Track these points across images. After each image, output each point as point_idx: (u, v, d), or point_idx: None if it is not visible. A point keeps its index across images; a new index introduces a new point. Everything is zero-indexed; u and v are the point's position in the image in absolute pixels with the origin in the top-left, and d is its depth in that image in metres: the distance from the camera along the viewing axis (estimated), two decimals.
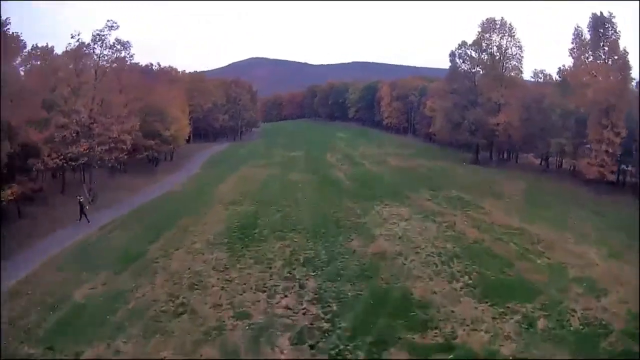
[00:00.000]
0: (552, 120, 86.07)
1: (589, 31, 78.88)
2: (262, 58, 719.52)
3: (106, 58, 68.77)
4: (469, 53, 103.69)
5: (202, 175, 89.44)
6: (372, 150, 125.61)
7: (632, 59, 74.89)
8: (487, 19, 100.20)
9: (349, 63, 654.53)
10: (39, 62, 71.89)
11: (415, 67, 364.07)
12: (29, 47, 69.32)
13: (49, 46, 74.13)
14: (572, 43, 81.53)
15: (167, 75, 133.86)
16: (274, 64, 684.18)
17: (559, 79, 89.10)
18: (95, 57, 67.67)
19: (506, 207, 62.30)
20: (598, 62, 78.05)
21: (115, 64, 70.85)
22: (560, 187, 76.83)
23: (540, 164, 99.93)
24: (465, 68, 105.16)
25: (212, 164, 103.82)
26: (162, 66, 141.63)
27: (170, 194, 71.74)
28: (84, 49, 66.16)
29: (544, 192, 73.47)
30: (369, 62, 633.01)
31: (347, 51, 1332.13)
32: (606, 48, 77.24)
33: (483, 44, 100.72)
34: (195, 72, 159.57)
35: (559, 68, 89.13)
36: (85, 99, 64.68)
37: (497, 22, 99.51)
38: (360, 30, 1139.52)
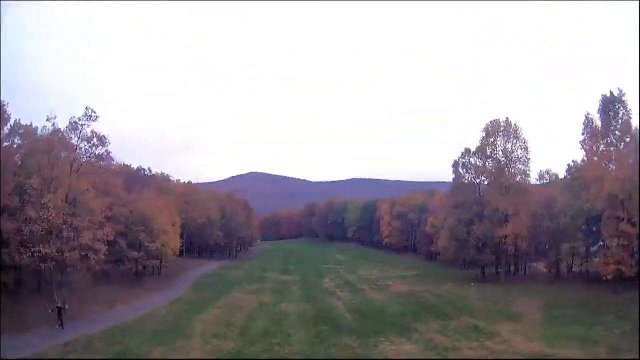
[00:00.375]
0: (563, 224, 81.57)
1: (599, 116, 73.03)
2: (262, 173, 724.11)
3: (83, 152, 62.88)
4: (473, 162, 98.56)
5: (189, 298, 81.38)
6: (373, 274, 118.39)
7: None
8: (492, 121, 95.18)
9: (347, 180, 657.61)
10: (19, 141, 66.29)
11: (414, 182, 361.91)
12: (12, 122, 64.00)
13: (33, 126, 67.45)
14: (583, 134, 75.04)
15: (158, 183, 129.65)
16: (273, 180, 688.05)
17: (567, 176, 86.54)
18: (72, 148, 61.60)
19: (526, 330, 54.73)
20: (611, 149, 72.12)
21: (94, 160, 64.84)
22: (578, 295, 70.10)
23: (550, 271, 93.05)
24: (470, 178, 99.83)
25: (201, 286, 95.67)
26: (153, 172, 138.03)
27: (149, 316, 63.63)
28: (59, 136, 60.25)
29: (562, 304, 66.24)
30: (367, 179, 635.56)
31: (345, 168, 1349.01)
32: (618, 133, 71.58)
33: (488, 150, 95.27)
34: (190, 182, 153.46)
35: (568, 165, 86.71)
36: (57, 195, 57.97)
37: (501, 124, 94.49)
38: (359, 148, 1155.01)
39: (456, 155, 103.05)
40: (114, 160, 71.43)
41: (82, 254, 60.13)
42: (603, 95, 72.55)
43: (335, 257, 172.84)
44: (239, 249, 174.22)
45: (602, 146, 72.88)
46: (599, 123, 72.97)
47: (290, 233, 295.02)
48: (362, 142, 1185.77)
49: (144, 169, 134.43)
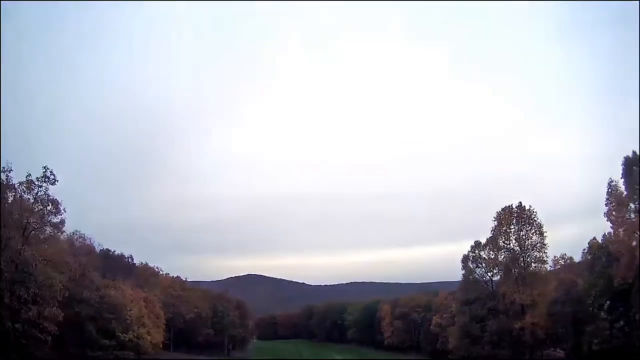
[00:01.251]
0: (585, 306, 76.33)
1: (622, 181, 65.92)
2: (260, 275, 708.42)
3: (37, 216, 54.65)
4: (484, 255, 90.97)
5: None
6: None
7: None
8: (504, 208, 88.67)
9: (347, 283, 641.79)
10: None
11: (414, 284, 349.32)
12: None
13: None
14: (607, 204, 67.80)
15: (143, 274, 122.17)
16: (270, 282, 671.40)
17: (588, 256, 79.10)
18: (25, 208, 53.44)
19: None
20: None
21: (47, 228, 56.61)
22: None
23: (566, 356, 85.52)
24: (481, 273, 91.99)
25: None
26: (136, 262, 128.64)
27: None
28: (8, 191, 52.29)
29: None
30: (367, 282, 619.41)
31: (344, 272, 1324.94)
32: None
33: (500, 240, 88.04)
34: (178, 277, 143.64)
35: (589, 244, 78.58)
36: (3, 257, 50.08)
37: (514, 209, 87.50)
38: (358, 251, 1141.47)
39: (456, 252, 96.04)
40: (63, 230, 62.70)
41: (26, 328, 51.17)
42: (625, 157, 66.11)
43: (333, 358, 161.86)
44: (231, 347, 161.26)
45: (632, 214, 65.87)
46: (622, 188, 66.40)
47: (287, 333, 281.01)
48: (361, 246, 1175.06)
49: (126, 256, 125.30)
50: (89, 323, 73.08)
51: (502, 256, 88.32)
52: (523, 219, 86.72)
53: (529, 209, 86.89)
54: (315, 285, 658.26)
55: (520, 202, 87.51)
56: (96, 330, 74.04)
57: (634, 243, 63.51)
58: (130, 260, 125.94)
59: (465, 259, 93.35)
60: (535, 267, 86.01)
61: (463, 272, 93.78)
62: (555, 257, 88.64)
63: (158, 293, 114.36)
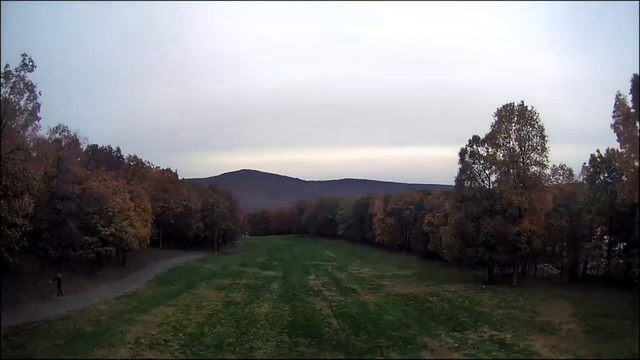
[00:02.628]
0: (583, 222, 74.22)
1: (631, 97, 58.23)
2: (254, 171, 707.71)
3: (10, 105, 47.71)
4: (482, 152, 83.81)
5: (144, 292, 65.66)
6: (365, 272, 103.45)
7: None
8: (504, 105, 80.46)
9: (340, 180, 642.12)
10: None
11: (407, 184, 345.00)
12: None
13: None
14: (614, 116, 59.50)
15: (130, 167, 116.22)
16: (265, 178, 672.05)
17: (590, 168, 74.53)
18: None
19: (567, 347, 40.16)
20: None
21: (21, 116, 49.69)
22: (609, 301, 56.12)
23: (561, 273, 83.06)
24: (478, 169, 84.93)
25: (165, 278, 79.88)
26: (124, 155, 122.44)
27: (80, 313, 48.13)
28: None
29: (597, 312, 51.62)
30: (361, 180, 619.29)
31: (339, 168, 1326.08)
32: None
33: (499, 138, 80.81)
34: (168, 169, 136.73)
35: (592, 156, 74.12)
36: None
37: (515, 108, 79.79)
38: (353, 147, 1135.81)
39: (451, 157, 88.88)
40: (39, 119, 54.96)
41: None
42: (634, 75, 57.74)
43: (324, 253, 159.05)
44: (221, 241, 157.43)
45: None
46: (630, 105, 58.16)
47: (279, 229, 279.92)
48: (355, 144, 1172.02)
49: (114, 150, 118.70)
50: (70, 220, 66.41)
51: (501, 154, 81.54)
52: (524, 119, 79.47)
53: (531, 110, 79.30)
54: (309, 181, 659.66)
55: (522, 102, 79.86)
56: (77, 227, 67.52)
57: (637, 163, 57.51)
58: (117, 154, 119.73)
59: (462, 153, 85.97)
60: (534, 170, 79.29)
61: (460, 166, 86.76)
62: (554, 166, 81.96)
63: (147, 186, 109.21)
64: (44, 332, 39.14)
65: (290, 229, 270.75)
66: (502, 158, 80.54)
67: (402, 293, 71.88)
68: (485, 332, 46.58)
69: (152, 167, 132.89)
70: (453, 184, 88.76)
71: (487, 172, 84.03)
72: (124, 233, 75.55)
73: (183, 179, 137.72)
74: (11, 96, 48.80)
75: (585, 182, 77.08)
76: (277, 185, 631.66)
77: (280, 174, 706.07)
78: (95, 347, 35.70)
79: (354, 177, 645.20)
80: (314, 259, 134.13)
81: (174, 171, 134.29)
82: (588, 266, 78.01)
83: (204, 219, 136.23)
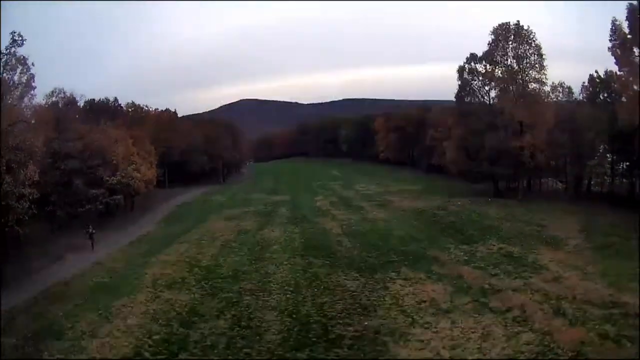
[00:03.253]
0: (586, 140, 72.78)
1: (627, 24, 57.78)
2: (252, 99, 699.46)
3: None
4: (480, 69, 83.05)
5: (155, 233, 65.85)
6: (372, 189, 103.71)
7: None
8: (500, 24, 79.41)
9: (339, 100, 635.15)
10: None
11: (407, 101, 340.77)
12: None
13: None
14: (611, 40, 59.91)
15: (128, 114, 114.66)
16: (264, 105, 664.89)
17: (589, 88, 76.85)
18: None
19: (575, 262, 40.24)
20: None
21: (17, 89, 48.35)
22: (613, 218, 56.66)
23: (566, 189, 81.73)
24: (477, 85, 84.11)
25: (174, 217, 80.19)
26: (120, 104, 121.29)
27: (95, 267, 47.39)
28: None
29: (602, 229, 51.70)
30: (360, 99, 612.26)
31: (337, 88, 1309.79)
32: None
33: (497, 56, 79.76)
34: (167, 110, 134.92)
35: (591, 75, 75.73)
36: None
37: (511, 27, 78.56)
38: (350, 65, 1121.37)
39: (449, 74, 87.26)
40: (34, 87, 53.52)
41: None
42: (629, 3, 57.35)
43: (329, 172, 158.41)
44: (226, 172, 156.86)
45: (636, 58, 57.72)
46: (626, 30, 58.25)
47: (282, 153, 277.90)
48: (353, 62, 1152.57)
49: (111, 101, 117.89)
50: (75, 178, 65.92)
51: (499, 72, 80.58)
52: (521, 37, 78.31)
53: (527, 29, 78.15)
54: (309, 104, 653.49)
55: (518, 21, 78.61)
56: (83, 183, 66.84)
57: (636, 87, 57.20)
58: (115, 103, 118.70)
59: (460, 70, 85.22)
60: (534, 87, 78.36)
61: (459, 82, 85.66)
62: (553, 83, 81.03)
63: (147, 129, 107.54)
64: (62, 294, 38.38)
65: (293, 152, 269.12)
66: (500, 75, 79.80)
67: (410, 207, 72.48)
68: (493, 245, 47.11)
69: (150, 110, 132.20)
70: (453, 100, 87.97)
71: (486, 88, 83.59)
72: (130, 179, 74.85)
73: (183, 116, 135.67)
74: (4, 74, 47.60)
75: (585, 100, 77.47)
76: (277, 111, 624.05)
77: (279, 99, 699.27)
78: (114, 299, 35.59)
79: (352, 97, 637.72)
80: (321, 179, 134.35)
81: (173, 110, 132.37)
82: (592, 183, 78.35)
83: (207, 153, 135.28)
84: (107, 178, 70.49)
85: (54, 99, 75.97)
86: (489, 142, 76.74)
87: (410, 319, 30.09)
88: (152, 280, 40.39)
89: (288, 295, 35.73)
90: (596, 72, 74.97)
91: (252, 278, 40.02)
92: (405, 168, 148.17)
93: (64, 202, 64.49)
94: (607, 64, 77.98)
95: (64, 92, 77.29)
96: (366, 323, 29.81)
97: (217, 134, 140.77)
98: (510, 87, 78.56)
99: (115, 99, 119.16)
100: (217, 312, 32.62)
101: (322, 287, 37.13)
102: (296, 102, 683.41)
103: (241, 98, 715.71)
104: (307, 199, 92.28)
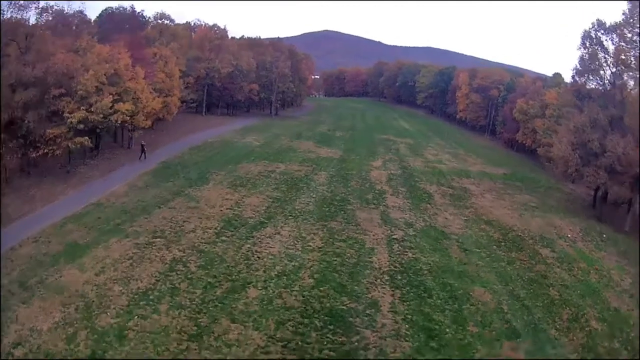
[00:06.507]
0: None
1: None
2: (336, 32, 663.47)
3: None
4: (615, 38, 54.48)
5: (110, 204, 41.56)
6: (446, 160, 79.69)
7: None
8: None
9: (423, 47, 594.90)
10: None
11: (493, 62, 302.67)
12: None
13: None
14: None
15: (153, 27, 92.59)
16: (347, 39, 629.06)
17: None
18: None
19: None
20: None
21: None
22: None
23: None
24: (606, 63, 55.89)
25: (169, 169, 54.96)
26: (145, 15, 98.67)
27: None
28: None
29: None
30: (445, 50, 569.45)
31: (423, 35, 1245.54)
32: None
33: (626, 32, 52.94)
34: (215, 25, 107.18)
35: None
36: None
37: None
38: (440, 14, 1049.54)
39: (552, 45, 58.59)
40: None
41: None
42: None
43: (399, 124, 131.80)
44: (279, 105, 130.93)
45: None
46: None
47: (355, 91, 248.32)
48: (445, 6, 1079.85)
49: (135, 11, 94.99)
50: (30, 112, 43.81)
51: (632, 55, 53.22)
52: None
53: None
54: (390, 45, 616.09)
55: None
56: (40, 119, 44.63)
57: None
58: (139, 15, 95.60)
59: (585, 37, 57.11)
60: None
61: (583, 52, 57.96)
62: None
63: (177, 46, 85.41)
64: None
65: (366, 91, 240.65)
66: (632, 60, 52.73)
67: (497, 220, 46.89)
68: None
69: (187, 24, 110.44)
70: (543, 72, 61.03)
71: (614, 69, 55.01)
72: (111, 113, 51.23)
73: (225, 27, 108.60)
74: None
75: None
76: (358, 47, 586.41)
77: (362, 36, 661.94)
78: None
79: (436, 47, 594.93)
80: (386, 131, 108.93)
81: (223, 27, 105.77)
82: None
83: (259, 80, 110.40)
84: (68, 114, 47.18)
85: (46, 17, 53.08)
86: (614, 148, 49.71)
87: None
88: None
89: None
90: None
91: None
92: (482, 135, 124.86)
93: (13, 145, 43.48)
94: None
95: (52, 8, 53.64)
96: None
97: (274, 61, 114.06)
98: None
99: (142, 11, 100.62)
100: None
101: None
102: (379, 42, 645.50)
103: (324, 29, 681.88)
104: (360, 163, 68.01)
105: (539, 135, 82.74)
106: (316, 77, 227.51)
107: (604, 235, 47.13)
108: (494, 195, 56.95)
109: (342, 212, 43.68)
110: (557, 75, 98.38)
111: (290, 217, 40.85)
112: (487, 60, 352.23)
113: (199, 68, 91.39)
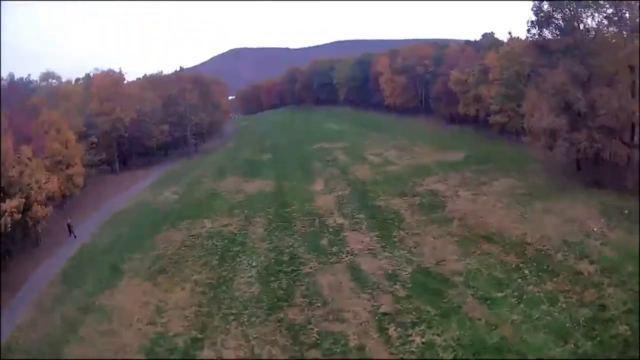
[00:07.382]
0: None
1: None
2: (243, 48, 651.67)
3: None
4: None
5: None
6: (394, 159, 68.76)
7: None
8: None
9: (332, 43, 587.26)
10: None
11: (410, 40, 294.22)
12: None
13: None
14: None
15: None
16: (255, 53, 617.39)
17: None
18: None
19: None
20: None
21: None
22: None
23: None
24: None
25: (84, 259, 41.80)
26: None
27: None
28: None
29: None
30: (354, 40, 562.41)
31: (328, 31, 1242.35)
32: None
33: None
34: (111, 70, 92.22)
35: None
36: None
37: None
38: (340, 6, 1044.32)
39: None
40: None
41: None
42: None
43: (327, 127, 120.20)
44: (198, 139, 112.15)
45: None
46: None
47: (272, 104, 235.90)
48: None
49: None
50: None
51: None
52: None
53: None
54: (298, 49, 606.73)
55: None
56: None
57: None
58: (25, 81, 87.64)
59: None
60: None
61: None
62: None
63: (70, 106, 73.79)
64: None
65: (285, 101, 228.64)
66: None
67: (500, 235, 35.20)
68: None
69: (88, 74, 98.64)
70: (464, 38, 52.16)
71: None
72: None
73: (120, 70, 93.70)
74: None
75: None
76: (268, 58, 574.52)
77: (268, 46, 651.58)
78: None
79: (346, 39, 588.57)
80: (317, 139, 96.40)
81: (118, 70, 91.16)
82: None
83: (168, 118, 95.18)
84: None
85: None
86: (605, 101, 40.01)
87: None
88: None
89: None
90: None
91: None
92: (418, 117, 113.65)
93: None
94: None
95: None
96: None
97: (180, 92, 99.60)
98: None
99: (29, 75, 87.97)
100: None
101: None
102: (287, 48, 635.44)
103: (230, 48, 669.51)
104: (299, 191, 56.57)
105: (485, 103, 74.80)
106: (232, 98, 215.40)
107: (626, 212, 36.69)
108: (469, 190, 46.52)
109: (297, 282, 32.07)
110: (489, 36, 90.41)
111: (231, 319, 28.64)
112: (409, 40, 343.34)
113: (102, 122, 77.69)
